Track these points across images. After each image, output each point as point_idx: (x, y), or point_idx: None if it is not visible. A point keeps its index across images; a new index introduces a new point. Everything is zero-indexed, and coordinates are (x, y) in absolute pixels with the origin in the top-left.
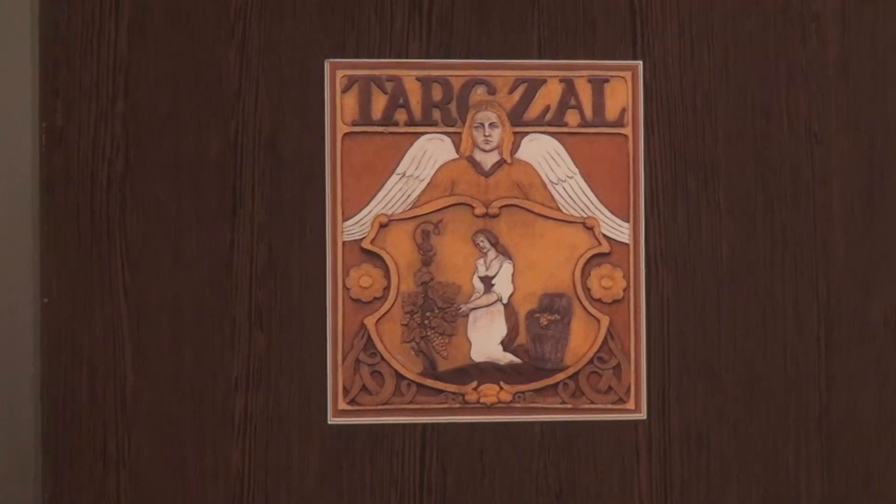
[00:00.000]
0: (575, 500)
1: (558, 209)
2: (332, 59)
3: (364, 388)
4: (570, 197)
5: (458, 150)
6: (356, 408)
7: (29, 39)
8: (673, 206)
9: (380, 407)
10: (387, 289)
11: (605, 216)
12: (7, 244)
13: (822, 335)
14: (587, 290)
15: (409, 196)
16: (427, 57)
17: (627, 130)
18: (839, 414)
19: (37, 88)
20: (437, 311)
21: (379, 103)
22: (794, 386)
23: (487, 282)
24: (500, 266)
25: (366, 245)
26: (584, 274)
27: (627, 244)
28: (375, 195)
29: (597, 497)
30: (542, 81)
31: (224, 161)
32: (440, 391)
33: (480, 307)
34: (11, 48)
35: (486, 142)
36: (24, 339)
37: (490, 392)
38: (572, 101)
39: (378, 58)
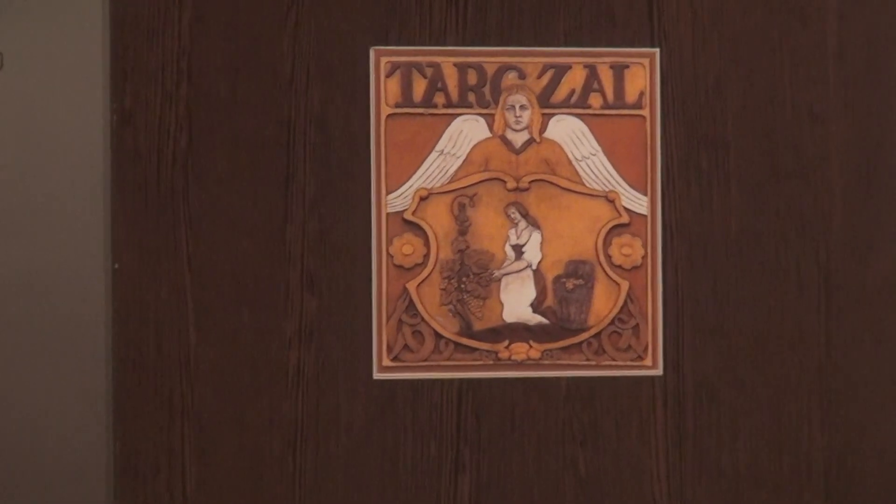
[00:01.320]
0: (597, 448)
1: (582, 184)
2: (376, 47)
3: (406, 347)
4: (593, 173)
5: (491, 130)
6: (399, 364)
7: (100, 28)
8: (687, 181)
9: (420, 364)
10: (426, 256)
11: (626, 190)
12: (81, 214)
13: (822, 299)
14: (609, 257)
15: (446, 171)
16: (463, 45)
17: (645, 112)
18: (837, 370)
19: (108, 72)
20: (473, 276)
21: (419, 87)
22: (797, 345)
23: (518, 250)
24: (530, 235)
25: (407, 216)
26: (606, 243)
27: (645, 216)
28: (416, 171)
29: (617, 445)
30: (568, 67)
31: (278, 139)
32: (475, 349)
33: (512, 273)
34: (85, 36)
35: (517, 122)
36: (96, 302)
37: (520, 350)
38: (595, 86)
39: (419, 45)
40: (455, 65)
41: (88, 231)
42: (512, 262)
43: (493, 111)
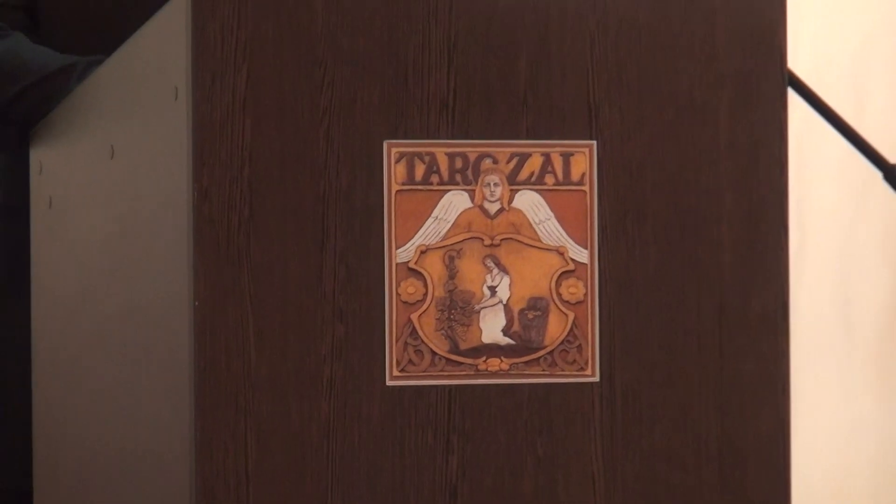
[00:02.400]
0: (551, 436)
1: (540, 241)
2: (388, 140)
3: (410, 361)
4: (548, 232)
5: (472, 202)
6: (404, 374)
7: (185, 127)
8: (616, 238)
9: (420, 374)
10: (425, 294)
11: (572, 245)
12: (171, 265)
13: (717, 324)
14: (559, 295)
15: (440, 232)
16: (452, 139)
17: (586, 188)
18: (728, 377)
19: (191, 160)
20: (459, 309)
21: (420, 170)
22: (699, 358)
23: (492, 290)
24: (501, 279)
25: (411, 265)
26: (557, 284)
27: (586, 264)
28: (417, 232)
29: (566, 434)
30: (529, 155)
31: (316, 209)
32: (461, 363)
33: (488, 306)
34: (174, 132)
35: (492, 196)
36: (182, 329)
37: (494, 364)
38: (549, 168)
39: (419, 139)
40: (446, 153)
41: (176, 277)
42: (488, 299)
43: (474, 188)
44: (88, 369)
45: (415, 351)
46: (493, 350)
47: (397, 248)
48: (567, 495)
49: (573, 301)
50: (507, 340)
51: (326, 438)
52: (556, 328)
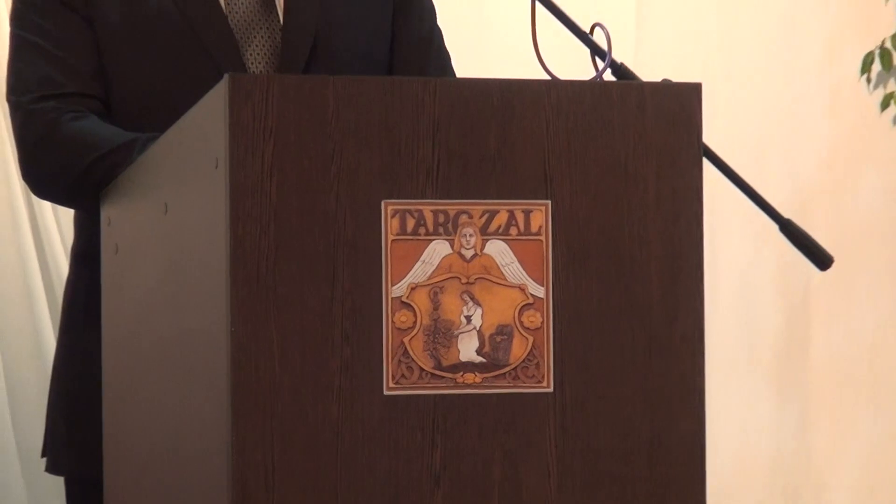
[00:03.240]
0: (516, 435)
1: (506, 280)
2: (385, 200)
3: (402, 375)
4: (512, 273)
5: (452, 249)
6: (399, 386)
7: (224, 187)
8: (567, 278)
9: (411, 385)
10: (415, 323)
11: (531, 283)
12: (211, 298)
13: (646, 348)
14: (521, 322)
15: (426, 273)
16: (436, 199)
17: (542, 238)
18: (655, 389)
19: (228, 214)
20: (441, 334)
21: (410, 223)
22: (633, 374)
23: (468, 318)
24: (475, 310)
25: (404, 299)
26: (519, 314)
27: (543, 298)
28: (408, 272)
29: (527, 433)
30: (497, 211)
31: (328, 253)
32: (443, 377)
33: (465, 332)
34: (214, 191)
35: (468, 244)
36: (220, 351)
37: (470, 378)
38: (513, 222)
39: (410, 199)
40: (431, 210)
41: (216, 309)
42: (465, 326)
43: (453, 238)
44: (146, 382)
45: (406, 367)
46: (469, 367)
47: (392, 285)
48: (528, 481)
49: (532, 328)
50: (479, 359)
51: (336, 437)
52: (518, 349)
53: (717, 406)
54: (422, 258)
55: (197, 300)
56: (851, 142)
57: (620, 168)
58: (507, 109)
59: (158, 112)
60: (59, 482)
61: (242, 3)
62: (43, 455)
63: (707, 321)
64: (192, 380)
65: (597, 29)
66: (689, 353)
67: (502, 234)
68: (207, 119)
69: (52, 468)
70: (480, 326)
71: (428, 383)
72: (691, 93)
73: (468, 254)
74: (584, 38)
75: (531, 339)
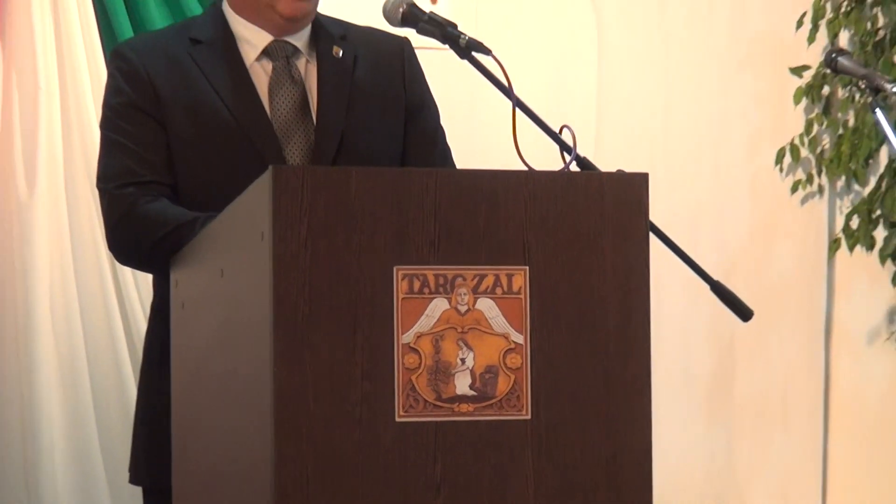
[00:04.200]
0: (500, 453)
1: (493, 329)
2: (397, 266)
3: (410, 406)
4: (498, 325)
5: (450, 305)
6: (407, 414)
7: (268, 257)
8: (541, 328)
9: (417, 414)
10: (420, 363)
11: (513, 332)
12: (259, 346)
13: (605, 380)
14: (505, 364)
15: (429, 325)
16: (437, 265)
17: (522, 296)
18: (613, 411)
19: (272, 279)
20: (441, 373)
21: (416, 284)
22: (595, 405)
23: (463, 360)
24: (468, 354)
25: (411, 345)
26: (504, 357)
27: (522, 344)
28: (415, 324)
29: (510, 451)
30: (486, 275)
31: (350, 310)
32: (442, 407)
33: (460, 371)
34: (260, 259)
35: (462, 301)
36: (266, 387)
37: (464, 408)
38: (498, 283)
39: (416, 265)
40: (433, 274)
41: (262, 353)
42: (460, 366)
43: (450, 296)
44: (207, 411)
45: (413, 399)
46: (464, 399)
47: (402, 334)
48: (511, 490)
49: (514, 368)
50: (472, 392)
51: (358, 454)
52: (503, 385)
53: (661, 429)
54: (426, 312)
55: (246, 346)
56: (768, 218)
57: (584, 241)
58: (493, 195)
59: (215, 195)
60: (137, 491)
61: (284, 110)
62: (130, 469)
63: (653, 361)
64: (242, 410)
65: (565, 129)
66: (639, 388)
67: (490, 293)
68: (255, 202)
69: (133, 479)
70: (473, 367)
71: (431, 412)
72: (640, 181)
73: (463, 309)
74: (555, 136)
75: (513, 376)
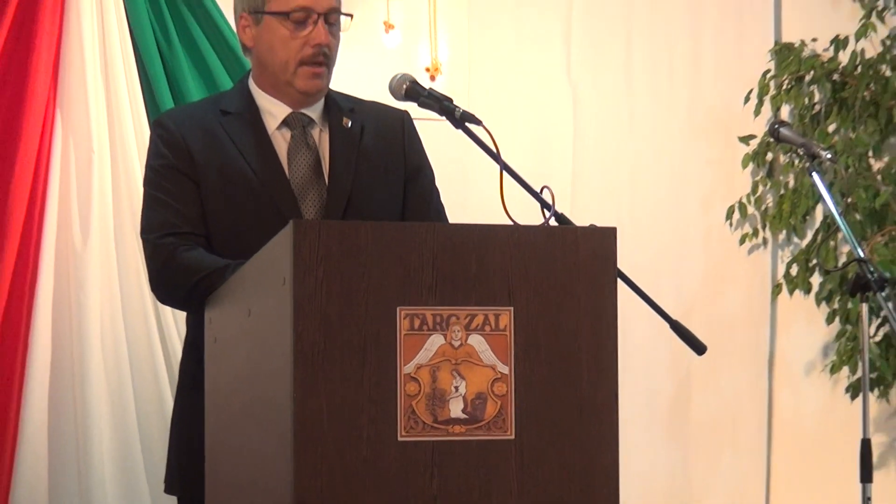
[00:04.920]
0: (487, 468)
1: (482, 362)
2: (400, 306)
3: (411, 427)
4: (486, 357)
5: (445, 340)
6: (408, 434)
7: (290, 297)
8: (524, 360)
9: (417, 434)
10: (419, 391)
11: (499, 364)
12: (280, 376)
13: (580, 405)
14: (493, 391)
15: (427, 357)
16: (434, 306)
17: (507, 333)
18: (585, 435)
19: (292, 315)
20: (437, 399)
21: (416, 322)
22: (570, 425)
23: (456, 388)
24: (461, 382)
25: (412, 375)
26: (492, 385)
27: (508, 374)
28: (415, 357)
29: (496, 467)
30: (476, 314)
31: (359, 344)
32: (439, 428)
33: (453, 398)
34: (282, 303)
35: (456, 338)
36: (286, 413)
37: (457, 429)
38: (487, 322)
39: (416, 306)
40: (431, 314)
41: (283, 382)
42: (454, 393)
43: (445, 333)
44: (235, 432)
45: (414, 421)
46: (457, 421)
47: (404, 365)
48: (497, 499)
49: (500, 394)
50: (464, 416)
51: (365, 469)
52: (491, 409)
53: (627, 447)
54: (424, 346)
55: (270, 376)
56: (719, 266)
57: (561, 286)
58: (482, 246)
59: (241, 244)
60: (174, 500)
61: (300, 172)
62: (165, 481)
63: (620, 388)
64: (266, 431)
65: (545, 189)
66: (608, 411)
67: (480, 330)
68: (278, 250)
69: (169, 489)
70: (465, 393)
71: (428, 433)
72: (610, 234)
73: (456, 344)
74: (536, 195)
75: (500, 402)
